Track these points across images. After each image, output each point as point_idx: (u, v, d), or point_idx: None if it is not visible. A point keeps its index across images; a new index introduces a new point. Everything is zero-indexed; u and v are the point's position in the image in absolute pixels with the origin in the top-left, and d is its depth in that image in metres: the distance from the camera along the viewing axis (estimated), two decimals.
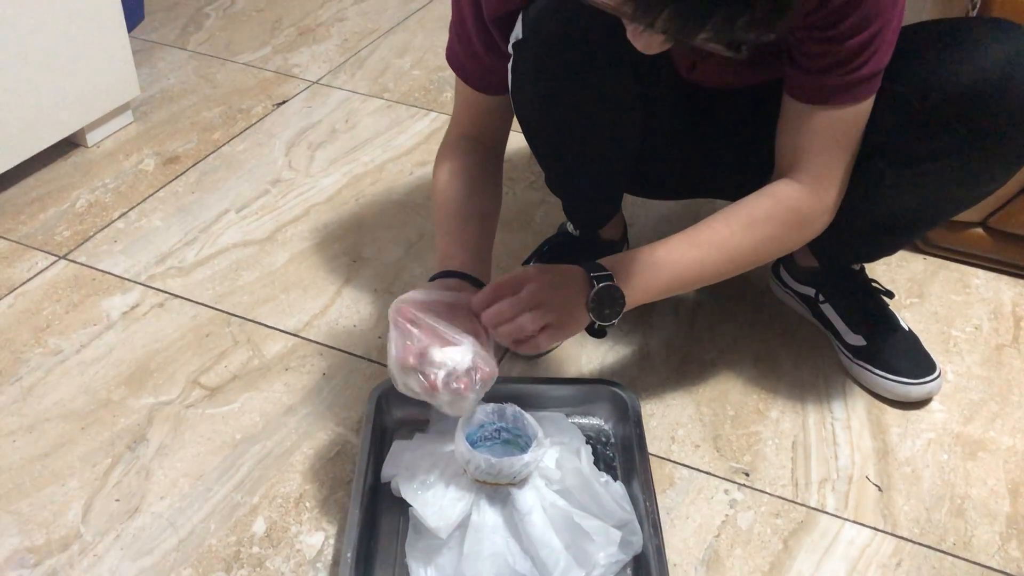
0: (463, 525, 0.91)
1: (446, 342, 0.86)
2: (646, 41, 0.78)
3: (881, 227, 1.11)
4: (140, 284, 1.31)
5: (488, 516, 0.91)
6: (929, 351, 1.19)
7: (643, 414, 1.08)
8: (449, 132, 1.14)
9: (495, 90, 1.07)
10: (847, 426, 1.14)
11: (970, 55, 0.92)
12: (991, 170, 0.99)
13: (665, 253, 0.97)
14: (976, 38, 0.93)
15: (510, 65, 1.02)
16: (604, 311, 0.93)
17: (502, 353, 1.21)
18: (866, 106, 0.95)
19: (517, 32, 0.99)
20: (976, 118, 0.93)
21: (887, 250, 1.21)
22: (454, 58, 1.07)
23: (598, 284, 0.92)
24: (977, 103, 0.92)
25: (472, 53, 1.04)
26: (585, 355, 1.22)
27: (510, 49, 1.01)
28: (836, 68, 0.91)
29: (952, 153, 0.96)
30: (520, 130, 1.11)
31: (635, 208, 1.46)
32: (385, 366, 1.18)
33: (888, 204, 1.05)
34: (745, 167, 1.15)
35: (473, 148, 1.11)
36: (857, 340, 1.20)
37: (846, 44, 0.88)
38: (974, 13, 1.22)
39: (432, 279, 0.97)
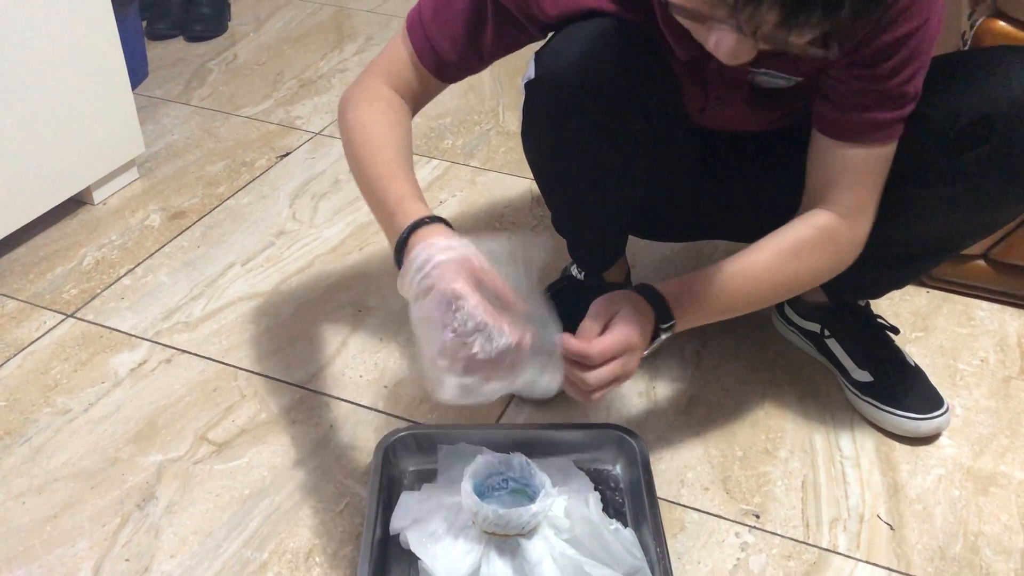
0: None
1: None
2: (730, 47, 0.76)
3: (899, 256, 1.10)
4: (147, 340, 1.32)
5: (498, 568, 0.91)
6: (936, 385, 1.18)
7: (651, 458, 1.07)
8: (371, 77, 1.03)
9: (445, 77, 1.02)
10: (856, 464, 1.13)
11: (999, 79, 0.94)
12: (1012, 192, 1.00)
13: (719, 289, 0.97)
14: (1005, 64, 0.95)
15: (522, 104, 1.03)
16: (648, 353, 0.96)
17: (508, 398, 1.21)
18: (895, 145, 0.96)
19: (529, 72, 1.01)
20: (1003, 138, 0.94)
21: (901, 281, 1.21)
22: (419, 33, 1.00)
23: (663, 336, 0.95)
24: (1005, 124, 0.93)
25: (445, 36, 0.99)
26: None
27: (521, 88, 1.02)
28: (875, 107, 0.92)
29: (975, 174, 0.97)
30: (521, 174, 1.12)
31: (637, 249, 1.47)
32: (392, 416, 1.19)
33: (909, 230, 1.05)
34: (751, 210, 1.16)
35: (399, 99, 1.02)
36: (864, 376, 1.20)
37: (888, 84, 0.90)
38: (965, 48, 1.23)
39: (419, 224, 0.86)
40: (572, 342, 0.89)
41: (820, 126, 0.98)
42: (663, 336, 0.95)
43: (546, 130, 1.03)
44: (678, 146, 1.12)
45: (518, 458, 0.97)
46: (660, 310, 0.94)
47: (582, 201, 1.12)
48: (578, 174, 1.07)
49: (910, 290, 1.41)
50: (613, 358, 0.90)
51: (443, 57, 1.00)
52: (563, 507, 0.96)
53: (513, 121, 1.88)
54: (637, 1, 0.94)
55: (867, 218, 1.00)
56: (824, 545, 1.03)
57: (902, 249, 1.09)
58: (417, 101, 1.04)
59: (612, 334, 0.90)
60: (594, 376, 0.89)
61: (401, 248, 0.86)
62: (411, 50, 1.01)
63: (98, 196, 1.62)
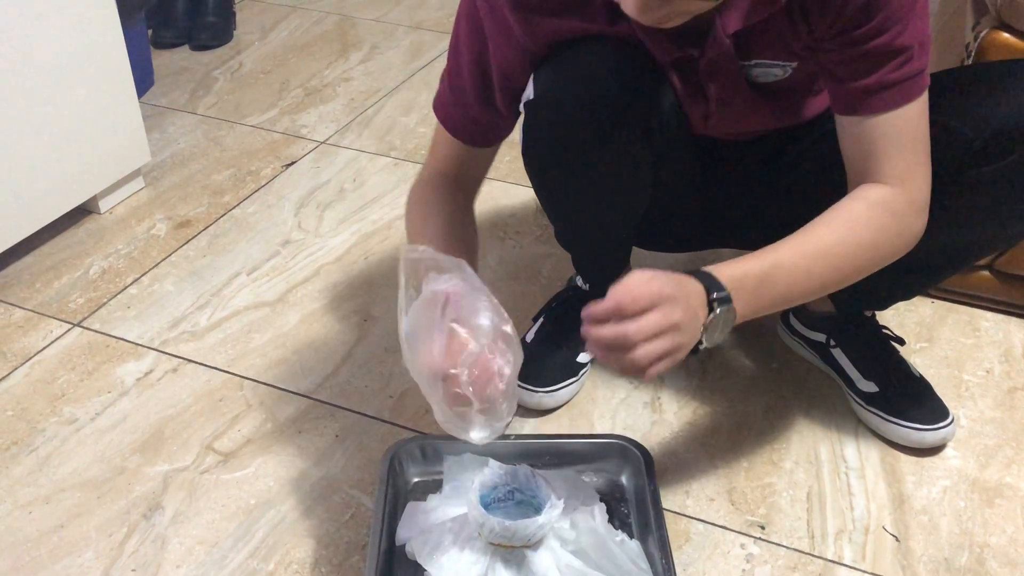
0: None
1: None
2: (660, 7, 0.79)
3: (911, 267, 1.09)
4: (153, 350, 1.32)
5: None
6: (941, 396, 1.18)
7: (656, 468, 1.07)
8: (425, 171, 1.12)
9: (480, 143, 1.08)
10: (861, 475, 1.13)
11: None
12: None
13: (775, 267, 0.91)
14: None
15: (521, 124, 1.04)
16: (715, 335, 0.88)
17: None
18: (922, 103, 0.93)
19: (529, 92, 1.01)
20: None
21: (911, 292, 1.21)
22: (442, 108, 1.08)
23: (719, 309, 0.86)
24: None
25: (463, 104, 1.05)
26: (597, 410, 1.22)
27: (521, 108, 1.03)
28: (880, 68, 0.91)
29: (996, 186, 0.97)
30: (526, 183, 1.13)
31: (641, 260, 1.47)
32: (398, 426, 1.19)
33: (925, 241, 1.05)
34: (755, 218, 1.16)
35: (452, 187, 1.10)
36: (869, 387, 1.20)
37: (879, 42, 0.89)
38: (969, 62, 1.24)
39: None
40: (596, 305, 0.82)
41: (838, 107, 0.96)
42: (719, 310, 0.86)
43: (546, 150, 1.03)
44: (680, 159, 1.13)
45: (524, 469, 0.97)
46: (708, 282, 0.87)
47: (584, 219, 1.13)
48: (580, 193, 1.07)
49: (915, 300, 1.41)
50: (649, 306, 0.81)
51: (468, 125, 1.06)
52: (569, 518, 0.96)
53: (517, 130, 1.88)
54: (617, 15, 0.94)
55: (919, 183, 0.94)
56: (829, 556, 1.03)
57: (915, 260, 1.08)
58: (466, 174, 1.11)
59: (642, 283, 0.82)
60: (635, 328, 0.80)
61: None
62: (442, 128, 1.08)
63: (104, 205, 1.63)
